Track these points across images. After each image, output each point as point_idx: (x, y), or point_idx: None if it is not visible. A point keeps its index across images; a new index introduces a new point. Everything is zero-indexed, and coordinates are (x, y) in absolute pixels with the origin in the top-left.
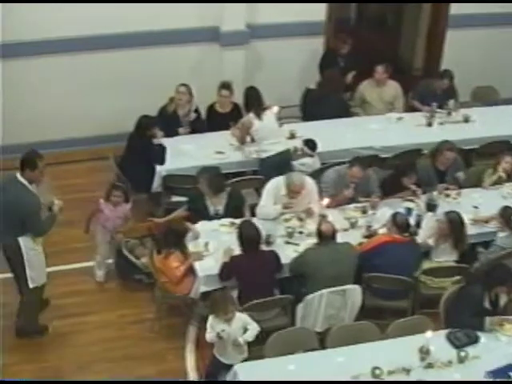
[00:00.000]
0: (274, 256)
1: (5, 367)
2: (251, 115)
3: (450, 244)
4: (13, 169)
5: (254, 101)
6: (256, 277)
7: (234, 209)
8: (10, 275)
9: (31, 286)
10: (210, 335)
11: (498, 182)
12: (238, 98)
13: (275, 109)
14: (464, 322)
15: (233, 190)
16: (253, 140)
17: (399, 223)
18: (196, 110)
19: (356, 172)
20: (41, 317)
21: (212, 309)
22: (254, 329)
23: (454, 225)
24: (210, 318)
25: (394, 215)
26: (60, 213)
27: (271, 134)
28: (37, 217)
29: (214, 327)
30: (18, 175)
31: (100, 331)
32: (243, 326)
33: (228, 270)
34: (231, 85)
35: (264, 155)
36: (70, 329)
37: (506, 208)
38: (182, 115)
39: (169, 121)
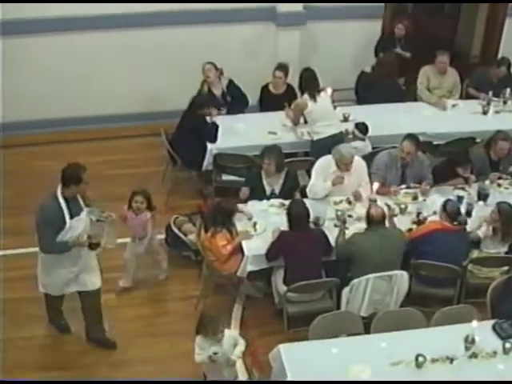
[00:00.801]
0: (323, 235)
1: (46, 338)
2: (306, 96)
3: (499, 235)
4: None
5: (310, 82)
6: (303, 254)
7: (290, 190)
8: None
9: (41, 289)
10: (199, 356)
11: None
12: (293, 78)
13: (329, 90)
14: (511, 311)
15: (290, 171)
16: (306, 121)
17: (450, 211)
18: (229, 86)
19: (407, 147)
20: None
21: (200, 330)
22: (241, 344)
23: (503, 215)
24: (198, 339)
25: (445, 202)
26: (111, 225)
27: (325, 116)
28: (43, 231)
29: (203, 348)
30: (59, 192)
31: (145, 307)
32: (234, 343)
33: (276, 248)
34: (287, 66)
35: (316, 137)
36: (116, 303)
37: None
38: (218, 95)
39: (208, 102)
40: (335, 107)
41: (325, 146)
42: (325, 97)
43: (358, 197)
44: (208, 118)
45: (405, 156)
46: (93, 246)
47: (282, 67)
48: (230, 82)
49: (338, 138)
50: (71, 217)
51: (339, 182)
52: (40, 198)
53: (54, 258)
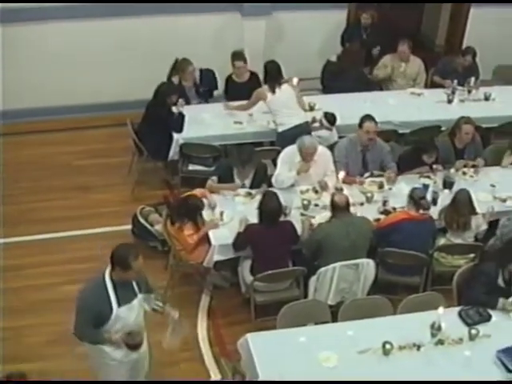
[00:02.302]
0: (291, 226)
1: (19, 329)
2: (265, 87)
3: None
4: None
5: (272, 75)
6: (271, 247)
7: (260, 183)
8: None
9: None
10: None
11: None
12: (259, 67)
13: (295, 80)
14: (477, 298)
15: (260, 164)
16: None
17: (416, 198)
18: (202, 76)
19: (372, 127)
20: (54, 280)
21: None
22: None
23: (458, 204)
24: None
25: (412, 190)
26: (175, 323)
27: (284, 106)
28: (78, 315)
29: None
30: (107, 273)
31: None
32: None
33: (243, 239)
34: (243, 53)
35: (280, 129)
36: None
37: None
38: (188, 87)
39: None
40: (301, 96)
41: (290, 136)
42: (286, 88)
43: (324, 186)
44: (174, 108)
45: (372, 137)
46: (131, 347)
47: (238, 55)
48: (201, 72)
49: (303, 129)
50: (119, 304)
51: (304, 171)
52: None
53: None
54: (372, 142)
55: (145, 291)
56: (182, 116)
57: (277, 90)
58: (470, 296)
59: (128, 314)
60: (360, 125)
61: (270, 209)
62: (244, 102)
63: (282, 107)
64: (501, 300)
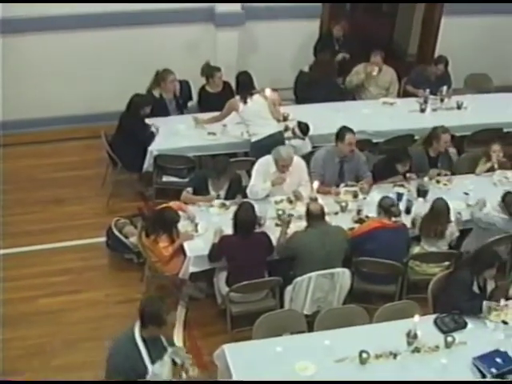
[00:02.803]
0: (266, 237)
1: None
2: (237, 98)
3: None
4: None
5: (243, 86)
6: (246, 258)
7: (235, 194)
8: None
9: None
10: None
11: (491, 170)
12: (233, 78)
13: (267, 91)
14: (460, 306)
15: (234, 176)
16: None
17: (385, 207)
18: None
19: (352, 138)
20: (29, 294)
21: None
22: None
23: (435, 212)
24: None
25: (381, 200)
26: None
27: (256, 116)
28: (111, 377)
29: None
30: (136, 332)
31: (88, 310)
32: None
33: (218, 250)
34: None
35: (254, 139)
36: (58, 307)
37: (507, 193)
38: (167, 99)
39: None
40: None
41: (264, 146)
42: (258, 99)
43: (298, 196)
44: (148, 121)
45: (353, 148)
46: None
47: (218, 68)
48: (181, 85)
49: (277, 138)
50: (153, 362)
51: (279, 183)
52: None
53: None
54: (353, 153)
55: (170, 344)
56: (152, 136)
57: (248, 100)
58: (445, 303)
59: (161, 370)
60: (341, 137)
61: (245, 219)
62: (216, 114)
63: (254, 117)
64: (485, 303)
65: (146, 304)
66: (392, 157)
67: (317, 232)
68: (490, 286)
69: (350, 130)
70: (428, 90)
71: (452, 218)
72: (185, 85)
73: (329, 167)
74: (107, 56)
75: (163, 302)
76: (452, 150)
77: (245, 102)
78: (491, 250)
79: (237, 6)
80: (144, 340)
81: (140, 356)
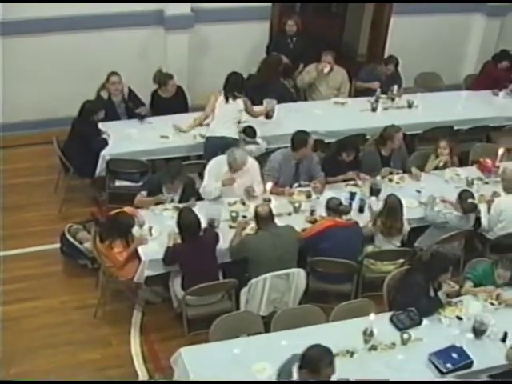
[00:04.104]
0: (214, 236)
1: None
2: (222, 92)
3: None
4: None
5: (233, 85)
6: (198, 262)
7: (189, 197)
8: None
9: None
10: None
11: (441, 167)
12: (184, 81)
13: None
14: (417, 308)
15: (188, 179)
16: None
17: (333, 207)
18: (130, 94)
19: (312, 141)
20: None
21: None
22: None
23: (388, 208)
24: None
25: (327, 202)
26: None
27: (226, 117)
28: None
29: None
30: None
31: (45, 317)
32: None
33: (171, 257)
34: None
35: (208, 134)
36: (16, 314)
37: (463, 191)
38: (117, 102)
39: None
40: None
41: (215, 146)
42: (238, 104)
43: (250, 191)
44: (101, 126)
45: (311, 150)
46: None
47: (169, 74)
48: (130, 90)
49: (230, 142)
50: None
51: (229, 184)
52: None
53: None
54: (310, 154)
55: None
56: (105, 143)
57: (230, 100)
58: (400, 301)
59: None
60: (303, 143)
61: (189, 223)
62: (195, 116)
63: (224, 117)
64: (440, 294)
65: (311, 348)
66: (337, 147)
67: (268, 234)
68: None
69: (308, 133)
70: (379, 90)
71: (407, 215)
72: (131, 92)
73: (285, 170)
74: (57, 61)
75: (328, 354)
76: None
77: (226, 101)
78: (443, 254)
79: (186, 9)
80: None
81: None
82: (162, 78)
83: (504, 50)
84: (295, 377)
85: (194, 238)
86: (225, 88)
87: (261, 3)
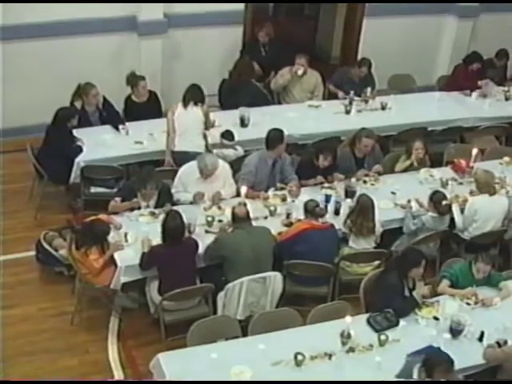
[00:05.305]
0: (195, 243)
1: None
2: (180, 103)
3: (356, 228)
4: None
5: (189, 93)
6: (177, 266)
7: (164, 203)
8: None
9: None
10: None
11: (411, 168)
12: (158, 86)
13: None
14: (393, 309)
15: (163, 185)
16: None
17: (310, 209)
18: (104, 104)
19: (285, 137)
20: None
21: None
22: None
23: (360, 207)
24: None
25: (305, 203)
26: None
27: (187, 128)
28: None
29: None
30: None
31: (22, 325)
32: None
33: (147, 260)
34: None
35: (175, 149)
36: None
37: (435, 192)
38: (90, 111)
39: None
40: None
41: (182, 160)
42: (197, 111)
43: (216, 196)
44: (75, 133)
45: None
46: None
47: (141, 76)
48: (105, 100)
49: (192, 157)
50: None
51: (200, 198)
52: None
53: None
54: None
55: None
56: (80, 149)
57: (189, 107)
58: (376, 302)
59: None
60: (279, 140)
61: (173, 227)
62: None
63: (184, 128)
64: (415, 293)
65: None
66: (314, 151)
67: (244, 233)
68: (419, 285)
69: (282, 130)
70: (352, 92)
71: (383, 217)
72: (105, 101)
73: (262, 171)
74: (30, 68)
75: None
76: (377, 167)
77: (185, 107)
78: (415, 249)
79: (159, 14)
80: None
81: None
82: (133, 80)
83: (475, 51)
84: (415, 376)
85: (175, 243)
86: (184, 96)
87: (232, 2)
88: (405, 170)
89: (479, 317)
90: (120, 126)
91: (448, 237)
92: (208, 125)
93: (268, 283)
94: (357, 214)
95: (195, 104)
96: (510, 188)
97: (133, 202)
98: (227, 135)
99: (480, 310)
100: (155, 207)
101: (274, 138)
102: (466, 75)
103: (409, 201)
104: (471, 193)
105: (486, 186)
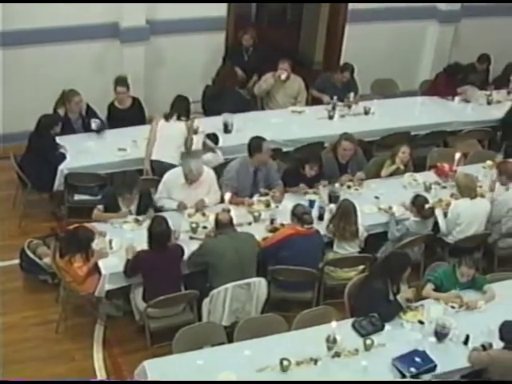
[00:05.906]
0: (180, 250)
1: None
2: (162, 116)
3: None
4: None
5: (177, 107)
6: (162, 272)
7: (146, 208)
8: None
9: None
10: None
11: (396, 172)
12: (141, 93)
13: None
14: (383, 312)
15: (144, 191)
16: None
17: (298, 214)
18: (88, 111)
19: (268, 145)
20: None
21: None
22: None
23: (341, 211)
24: None
25: (294, 207)
26: None
27: (166, 141)
28: None
29: None
30: None
31: (6, 333)
32: None
33: (132, 266)
34: (126, 79)
35: (154, 157)
36: None
37: (417, 196)
38: (73, 119)
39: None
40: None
41: (158, 169)
42: (180, 126)
43: (199, 204)
44: (58, 140)
45: (270, 154)
46: None
47: (121, 81)
48: (88, 107)
49: (166, 167)
50: None
51: (183, 208)
52: None
53: None
54: (269, 161)
55: None
56: (63, 157)
57: (171, 121)
58: (361, 307)
59: None
60: (258, 148)
61: (159, 233)
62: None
63: (164, 140)
64: (398, 296)
65: None
66: (300, 160)
67: (227, 237)
68: (403, 289)
69: (263, 139)
70: (335, 97)
71: (367, 222)
72: (89, 108)
73: (243, 178)
74: (13, 75)
75: None
76: (360, 174)
77: (167, 119)
78: (398, 254)
79: (141, 21)
80: None
81: None
82: (114, 83)
83: (456, 62)
84: None
85: (161, 248)
86: (171, 109)
87: (215, 14)
88: (391, 175)
89: (464, 320)
90: (92, 120)
91: (432, 241)
92: (188, 142)
93: (253, 289)
94: (339, 218)
95: (178, 118)
96: (490, 193)
97: (120, 213)
98: (212, 137)
99: (465, 314)
100: (137, 212)
101: (253, 146)
102: (447, 83)
103: (390, 207)
104: (452, 195)
105: (467, 190)
